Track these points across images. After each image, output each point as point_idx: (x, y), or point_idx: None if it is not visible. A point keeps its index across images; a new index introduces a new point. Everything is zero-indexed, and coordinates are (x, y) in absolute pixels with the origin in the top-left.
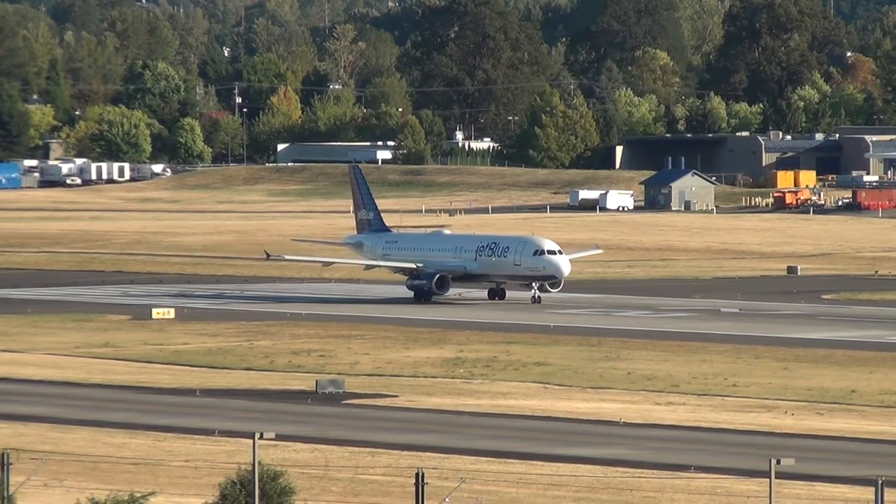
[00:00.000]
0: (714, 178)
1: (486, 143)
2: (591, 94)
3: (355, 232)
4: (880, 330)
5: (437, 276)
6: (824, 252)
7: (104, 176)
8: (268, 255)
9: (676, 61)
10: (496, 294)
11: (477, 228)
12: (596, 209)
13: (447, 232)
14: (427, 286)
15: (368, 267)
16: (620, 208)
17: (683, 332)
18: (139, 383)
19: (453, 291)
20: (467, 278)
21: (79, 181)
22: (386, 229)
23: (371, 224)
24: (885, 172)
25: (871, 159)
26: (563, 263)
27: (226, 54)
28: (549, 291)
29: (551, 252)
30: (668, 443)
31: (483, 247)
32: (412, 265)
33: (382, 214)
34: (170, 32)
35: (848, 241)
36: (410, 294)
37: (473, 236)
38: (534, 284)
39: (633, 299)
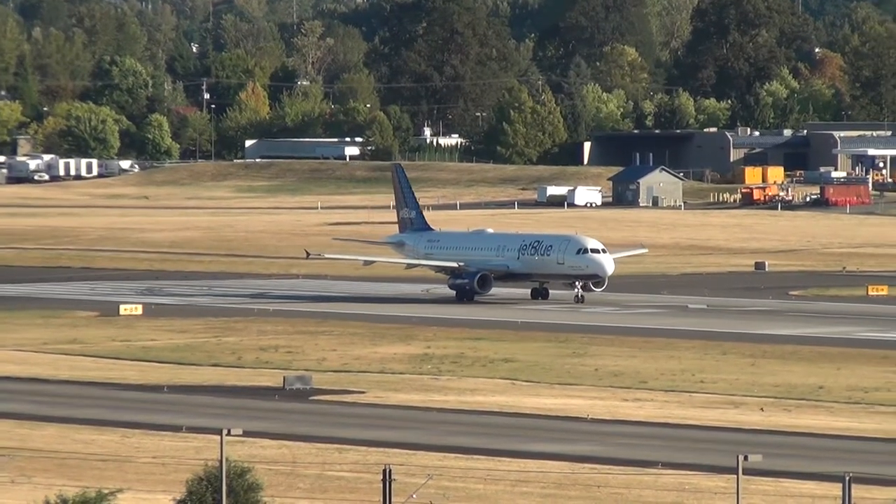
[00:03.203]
0: (682, 174)
1: (454, 140)
2: (560, 90)
3: (317, 228)
4: (848, 326)
5: (479, 275)
6: (792, 248)
7: (72, 172)
8: (308, 254)
9: (644, 57)
10: (539, 294)
11: (444, 224)
12: (564, 205)
13: (490, 231)
14: (469, 285)
15: (410, 266)
16: (588, 204)
17: (651, 329)
18: (107, 380)
19: (420, 287)
20: (510, 277)
21: (46, 177)
22: (428, 228)
23: (413, 223)
24: (853, 168)
25: (838, 155)
26: (607, 262)
27: (194, 50)
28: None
29: (595, 251)
30: (636, 439)
31: (526, 245)
32: (454, 264)
33: (350, 211)
34: (138, 28)
35: (815, 237)
36: (453, 293)
37: (516, 235)
38: (577, 284)
39: (601, 295)
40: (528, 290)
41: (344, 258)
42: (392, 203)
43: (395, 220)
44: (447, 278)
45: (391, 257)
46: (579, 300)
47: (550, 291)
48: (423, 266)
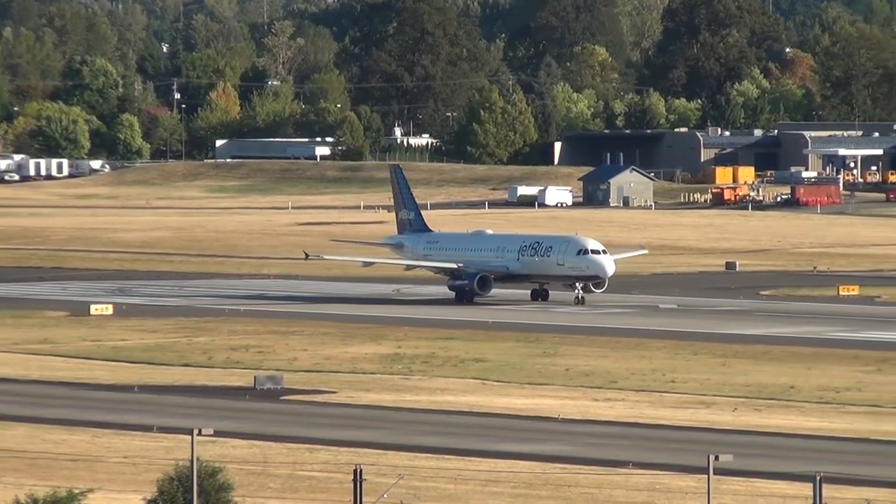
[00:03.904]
0: (652, 174)
1: (424, 139)
2: (530, 90)
3: (287, 228)
4: (818, 326)
5: (479, 276)
6: (762, 248)
7: (42, 172)
8: (307, 255)
9: (615, 57)
10: (539, 295)
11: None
12: (534, 205)
13: (489, 232)
14: (469, 286)
15: (409, 267)
16: (559, 204)
17: (622, 328)
18: (77, 380)
19: (391, 287)
20: (510, 278)
21: (17, 177)
22: (427, 229)
23: (412, 224)
24: (824, 168)
25: (809, 155)
26: (608, 263)
27: (164, 50)
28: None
29: (595, 252)
30: (607, 439)
31: (526, 246)
32: (453, 265)
33: (321, 211)
34: (108, 28)
35: (786, 237)
36: (452, 294)
37: (516, 236)
38: (577, 285)
39: (571, 295)
40: (528, 292)
41: (343, 259)
42: (362, 203)
43: (367, 220)
44: (446, 279)
45: (390, 258)
46: (580, 301)
47: (550, 292)
48: (423, 267)
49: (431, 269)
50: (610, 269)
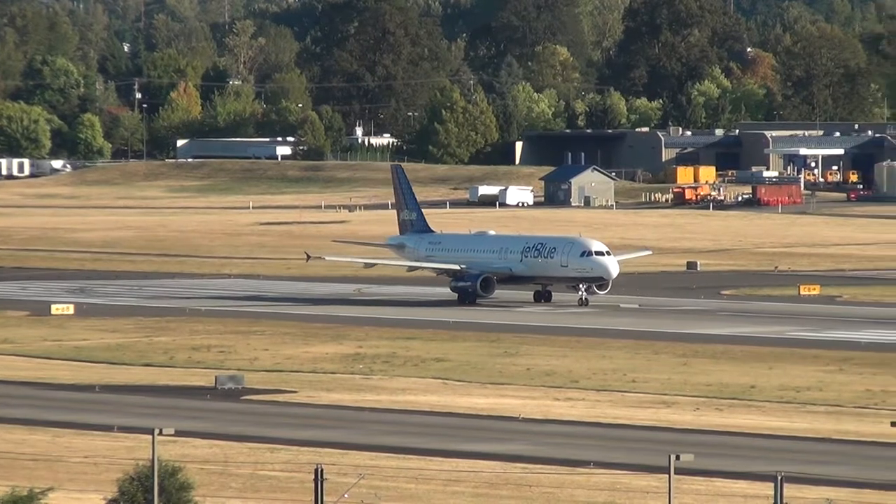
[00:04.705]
0: (614, 174)
1: (385, 139)
2: (491, 90)
3: (248, 228)
4: (780, 325)
5: (482, 277)
6: (724, 248)
7: (3, 172)
8: (308, 256)
9: (576, 57)
10: (542, 296)
11: (376, 225)
12: (496, 205)
13: (492, 233)
14: (472, 288)
15: (411, 269)
16: (520, 204)
17: (583, 328)
18: (38, 379)
19: (353, 287)
20: (513, 280)
21: None
22: (429, 230)
23: (413, 225)
24: (785, 168)
25: (770, 155)
26: (612, 265)
27: (126, 50)
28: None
29: (599, 253)
30: (568, 438)
31: (529, 248)
32: (456, 266)
33: (282, 210)
34: (69, 28)
35: (747, 237)
36: (454, 296)
37: (519, 237)
38: (581, 286)
39: (515, 294)
40: (531, 293)
41: (344, 260)
42: (323, 203)
43: (329, 219)
44: (449, 281)
45: (392, 259)
46: (583, 303)
47: (553, 294)
48: (425, 268)
49: (434, 270)
50: (614, 271)
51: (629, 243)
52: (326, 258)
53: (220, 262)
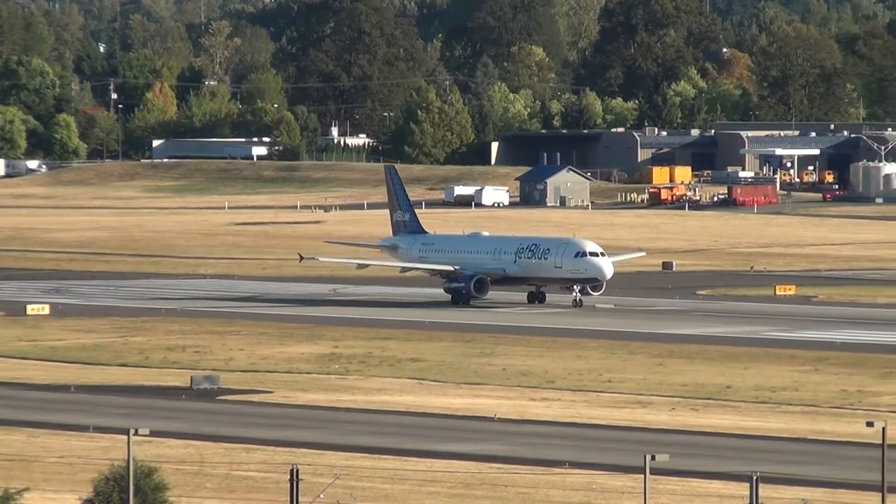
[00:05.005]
0: (589, 174)
1: (361, 139)
2: (467, 90)
3: (224, 228)
4: (755, 325)
5: (476, 278)
6: (699, 248)
7: None
8: (301, 258)
9: (552, 57)
10: (536, 297)
11: (352, 225)
12: (471, 205)
13: (485, 233)
14: (465, 289)
15: (405, 270)
16: (496, 204)
17: (558, 328)
18: (13, 379)
19: (329, 287)
20: (507, 281)
21: None
22: (422, 231)
23: (407, 226)
24: (760, 168)
25: (746, 155)
26: (606, 266)
27: (101, 50)
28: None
29: (593, 254)
30: (543, 438)
31: (523, 248)
32: (450, 267)
33: (258, 211)
34: (45, 28)
35: (723, 237)
36: (448, 297)
37: (513, 238)
38: (575, 287)
39: (508, 295)
40: (525, 295)
41: (338, 262)
42: (299, 203)
43: (304, 220)
44: (443, 282)
45: (385, 260)
46: (577, 304)
47: (547, 295)
48: (418, 269)
49: (427, 271)
50: (608, 272)
51: (605, 243)
52: (320, 259)
53: (195, 262)
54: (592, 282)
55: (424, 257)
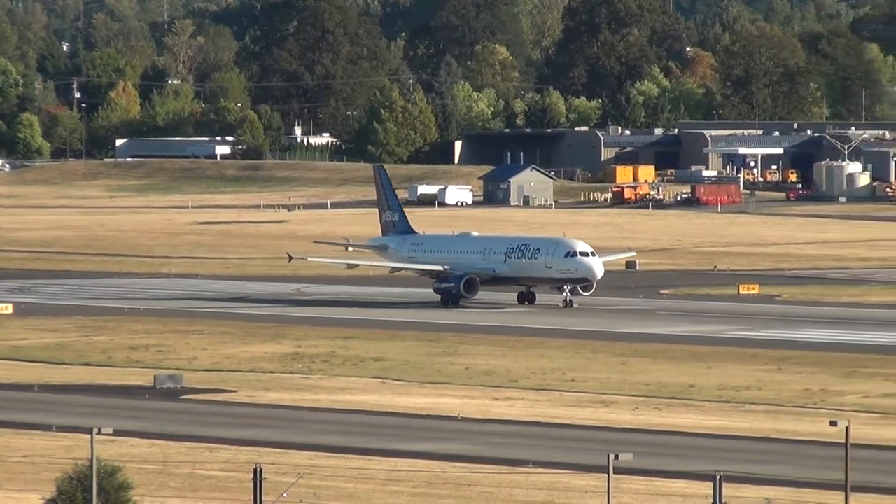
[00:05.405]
0: (553, 173)
1: (324, 138)
2: (431, 89)
3: (187, 227)
4: (719, 325)
5: (466, 278)
6: (663, 247)
7: None
8: (290, 258)
9: (515, 56)
10: (526, 298)
11: (315, 224)
12: (435, 204)
13: (475, 234)
14: (455, 289)
15: (394, 270)
16: (459, 203)
17: (521, 327)
18: None
19: (292, 286)
20: (496, 281)
21: None
22: (411, 231)
23: (396, 226)
24: (724, 168)
25: (709, 154)
26: (597, 266)
27: (65, 49)
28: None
29: (584, 254)
30: (507, 438)
31: (513, 248)
32: (439, 268)
33: (221, 210)
34: (8, 27)
35: (687, 236)
36: (438, 298)
37: (503, 238)
38: (565, 287)
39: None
40: (515, 295)
41: (327, 261)
42: (262, 202)
43: (267, 219)
44: (432, 282)
45: (374, 261)
46: (568, 304)
47: (537, 296)
48: (407, 269)
49: (416, 271)
50: (599, 272)
51: None
52: (308, 259)
53: (158, 261)
54: (583, 282)
55: (414, 257)
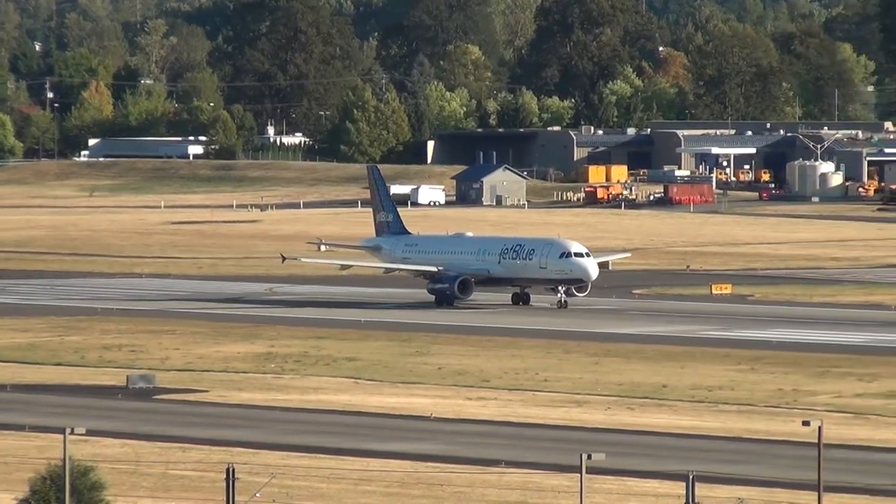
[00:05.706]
0: (525, 173)
1: (297, 138)
2: (403, 89)
3: (160, 227)
4: (691, 325)
5: (460, 279)
6: (636, 247)
7: None
8: (283, 258)
9: (488, 56)
10: (520, 299)
11: (288, 224)
12: (408, 204)
13: (469, 234)
14: (449, 290)
15: (388, 270)
16: (432, 203)
17: (494, 327)
18: None
19: (265, 286)
20: (491, 282)
21: None
22: (405, 231)
23: (390, 226)
24: (697, 167)
25: (682, 154)
26: (591, 266)
27: (37, 49)
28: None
29: (578, 255)
30: (479, 437)
31: (507, 249)
32: (433, 268)
33: (194, 210)
34: None
35: (659, 236)
36: (432, 298)
37: (497, 239)
38: (560, 288)
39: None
40: (509, 296)
41: (321, 262)
42: (235, 202)
43: (240, 219)
44: (426, 283)
45: (368, 261)
46: (562, 305)
47: (532, 296)
48: (401, 270)
49: (410, 272)
50: (594, 273)
51: None
52: (302, 260)
53: (131, 261)
54: (577, 283)
55: (408, 258)
